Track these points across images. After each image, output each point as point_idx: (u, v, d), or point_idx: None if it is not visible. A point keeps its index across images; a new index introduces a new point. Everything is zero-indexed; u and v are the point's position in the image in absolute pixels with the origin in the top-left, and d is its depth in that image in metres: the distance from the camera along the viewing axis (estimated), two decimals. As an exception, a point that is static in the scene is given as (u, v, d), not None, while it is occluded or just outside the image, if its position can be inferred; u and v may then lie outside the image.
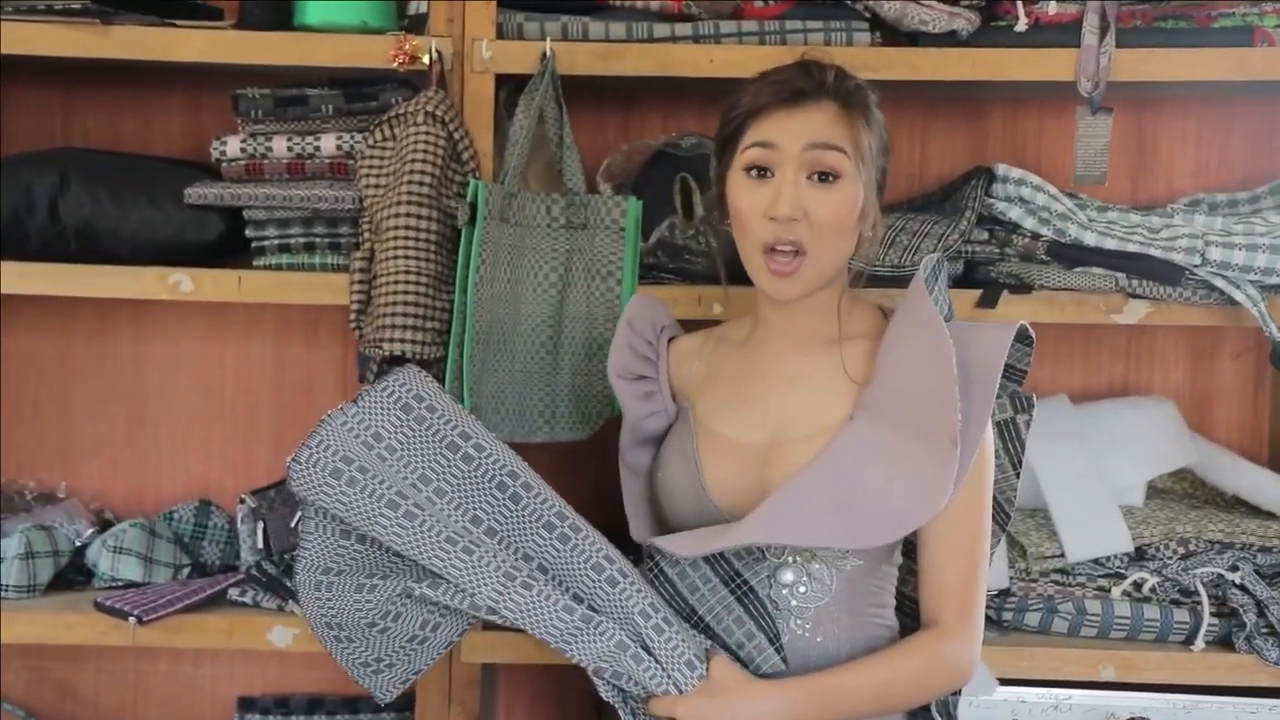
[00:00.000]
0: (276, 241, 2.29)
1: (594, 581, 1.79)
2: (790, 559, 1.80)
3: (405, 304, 2.09)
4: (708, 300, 2.24)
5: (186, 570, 2.46)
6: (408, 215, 2.11)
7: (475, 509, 1.83)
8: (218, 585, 2.34)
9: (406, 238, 2.11)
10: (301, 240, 2.28)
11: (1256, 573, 2.24)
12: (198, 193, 2.28)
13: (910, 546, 1.88)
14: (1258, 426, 2.61)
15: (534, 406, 2.20)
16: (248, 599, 2.33)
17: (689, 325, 2.11)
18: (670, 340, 2.02)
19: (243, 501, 2.43)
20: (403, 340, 2.09)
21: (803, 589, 1.80)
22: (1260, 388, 2.61)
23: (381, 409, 1.85)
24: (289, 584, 2.29)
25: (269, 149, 2.28)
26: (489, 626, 2.26)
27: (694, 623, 1.82)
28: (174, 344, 2.65)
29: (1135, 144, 2.58)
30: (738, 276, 2.32)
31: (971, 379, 1.73)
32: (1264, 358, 2.59)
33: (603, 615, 1.77)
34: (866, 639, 1.82)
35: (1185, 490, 2.53)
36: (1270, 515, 2.35)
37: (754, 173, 1.82)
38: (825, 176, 1.79)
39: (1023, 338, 1.85)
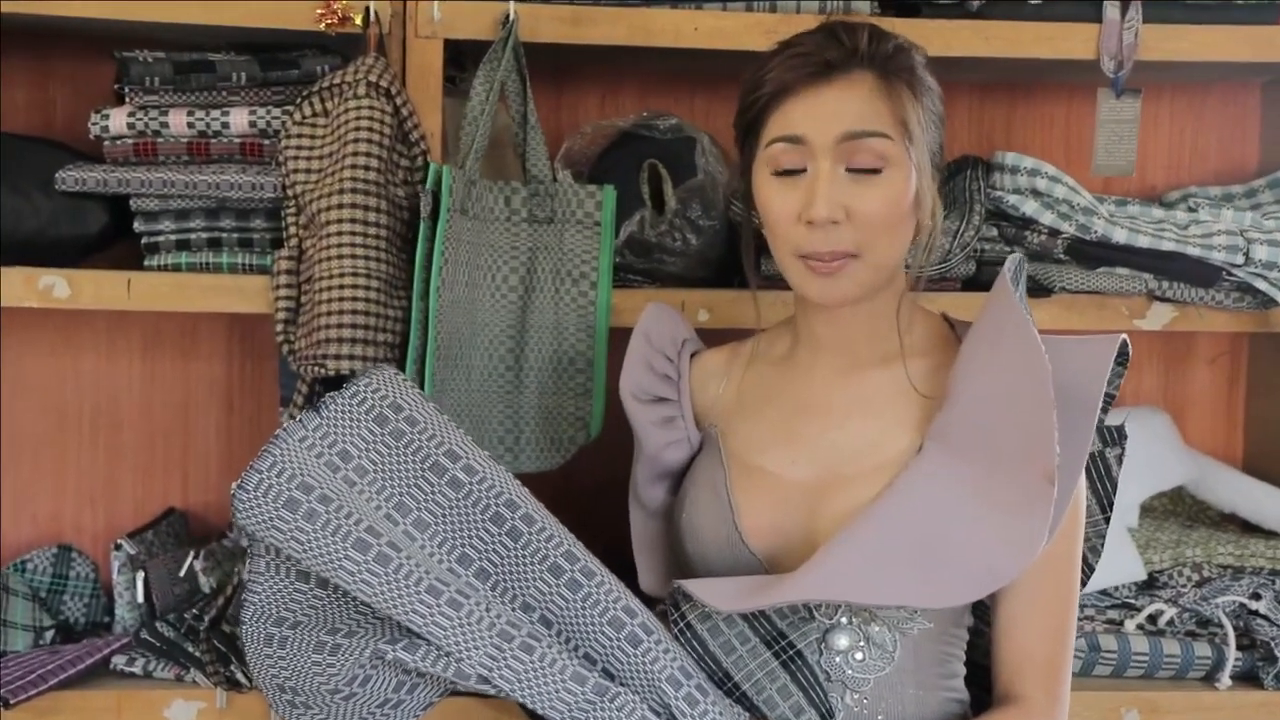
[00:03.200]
0: (174, 237, 1.90)
1: (611, 640, 1.46)
2: (844, 620, 1.51)
3: (353, 313, 1.74)
4: (692, 306, 1.94)
5: (50, 633, 2.04)
6: (352, 206, 1.76)
7: (464, 546, 1.50)
8: (98, 653, 1.92)
9: (352, 233, 1.75)
10: (205, 235, 1.90)
11: (1276, 600, 2.06)
12: (73, 177, 1.87)
13: (979, 604, 1.61)
14: (1231, 435, 2.45)
15: (494, 432, 1.87)
16: (137, 668, 1.92)
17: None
18: (692, 356, 1.72)
19: (118, 548, 2.04)
20: (350, 356, 1.73)
21: (860, 656, 1.51)
22: (1235, 395, 2.44)
23: (350, 421, 1.51)
24: (190, 648, 1.90)
25: (164, 125, 1.87)
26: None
27: (727, 690, 1.51)
28: (17, 355, 2.21)
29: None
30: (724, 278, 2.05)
31: (1067, 404, 1.45)
32: (1239, 363, 2.44)
33: (621, 683, 1.45)
34: (936, 715, 1.54)
35: (1167, 507, 2.34)
36: (1272, 534, 2.18)
37: (782, 171, 1.54)
38: (867, 168, 1.51)
39: (1118, 355, 1.57)
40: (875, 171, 1.51)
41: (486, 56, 1.86)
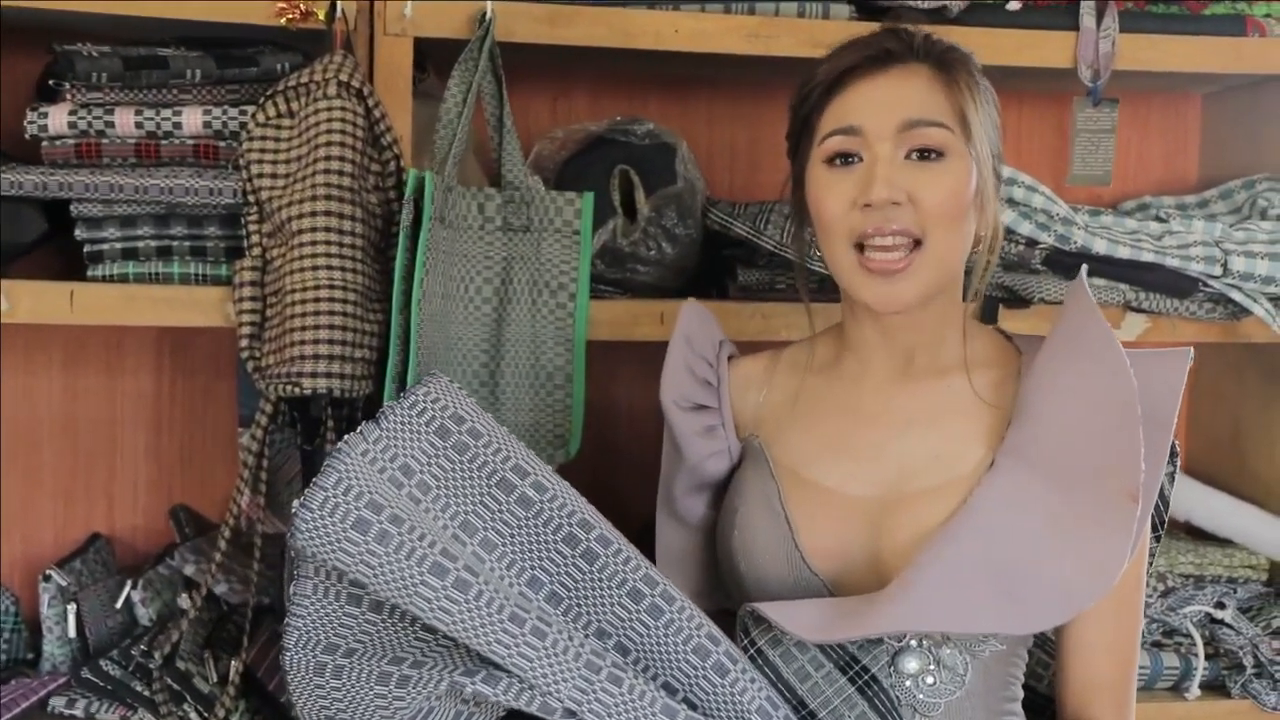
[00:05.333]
0: (119, 245, 1.76)
1: (696, 669, 1.36)
2: (914, 643, 1.43)
3: (329, 328, 1.62)
4: (671, 317, 1.85)
5: (-25, 673, 1.89)
6: (326, 214, 1.64)
7: (534, 569, 1.38)
8: (34, 694, 1.78)
9: (326, 242, 1.64)
10: (154, 244, 1.77)
11: (1239, 609, 2.07)
12: (9, 180, 1.73)
13: None
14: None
15: (468, 451, 1.77)
16: (79, 710, 1.78)
17: (652, 348, 1.74)
18: (729, 360, 1.64)
19: (47, 578, 1.90)
20: (328, 374, 1.62)
21: (930, 680, 1.43)
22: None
23: (410, 433, 1.38)
24: (139, 687, 1.77)
25: (109, 124, 1.74)
26: None
27: (802, 718, 1.43)
28: (-78, 371, 2.06)
29: (1055, 143, 2.38)
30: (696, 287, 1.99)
31: (1144, 420, 1.40)
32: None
33: (705, 713, 1.36)
34: None
35: (1117, 515, 2.34)
36: (1227, 542, 2.19)
37: (837, 161, 1.46)
38: (927, 154, 1.44)
39: None
40: (935, 159, 1.44)
41: (462, 57, 1.76)
